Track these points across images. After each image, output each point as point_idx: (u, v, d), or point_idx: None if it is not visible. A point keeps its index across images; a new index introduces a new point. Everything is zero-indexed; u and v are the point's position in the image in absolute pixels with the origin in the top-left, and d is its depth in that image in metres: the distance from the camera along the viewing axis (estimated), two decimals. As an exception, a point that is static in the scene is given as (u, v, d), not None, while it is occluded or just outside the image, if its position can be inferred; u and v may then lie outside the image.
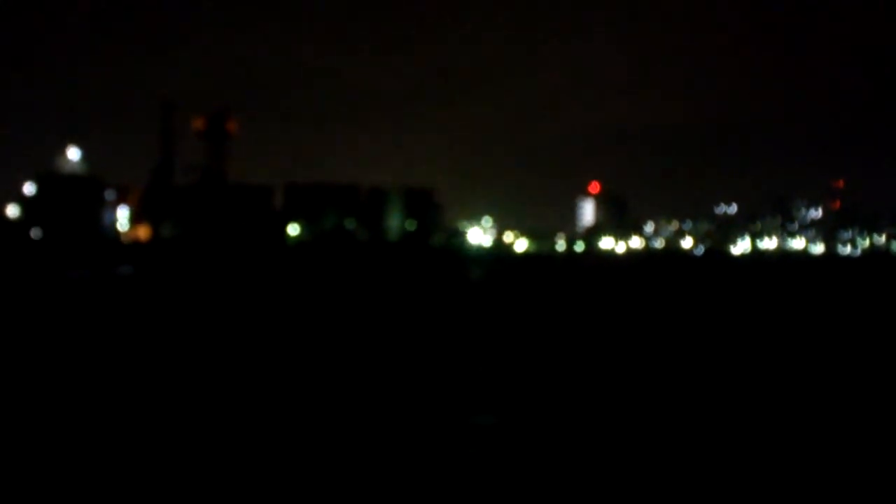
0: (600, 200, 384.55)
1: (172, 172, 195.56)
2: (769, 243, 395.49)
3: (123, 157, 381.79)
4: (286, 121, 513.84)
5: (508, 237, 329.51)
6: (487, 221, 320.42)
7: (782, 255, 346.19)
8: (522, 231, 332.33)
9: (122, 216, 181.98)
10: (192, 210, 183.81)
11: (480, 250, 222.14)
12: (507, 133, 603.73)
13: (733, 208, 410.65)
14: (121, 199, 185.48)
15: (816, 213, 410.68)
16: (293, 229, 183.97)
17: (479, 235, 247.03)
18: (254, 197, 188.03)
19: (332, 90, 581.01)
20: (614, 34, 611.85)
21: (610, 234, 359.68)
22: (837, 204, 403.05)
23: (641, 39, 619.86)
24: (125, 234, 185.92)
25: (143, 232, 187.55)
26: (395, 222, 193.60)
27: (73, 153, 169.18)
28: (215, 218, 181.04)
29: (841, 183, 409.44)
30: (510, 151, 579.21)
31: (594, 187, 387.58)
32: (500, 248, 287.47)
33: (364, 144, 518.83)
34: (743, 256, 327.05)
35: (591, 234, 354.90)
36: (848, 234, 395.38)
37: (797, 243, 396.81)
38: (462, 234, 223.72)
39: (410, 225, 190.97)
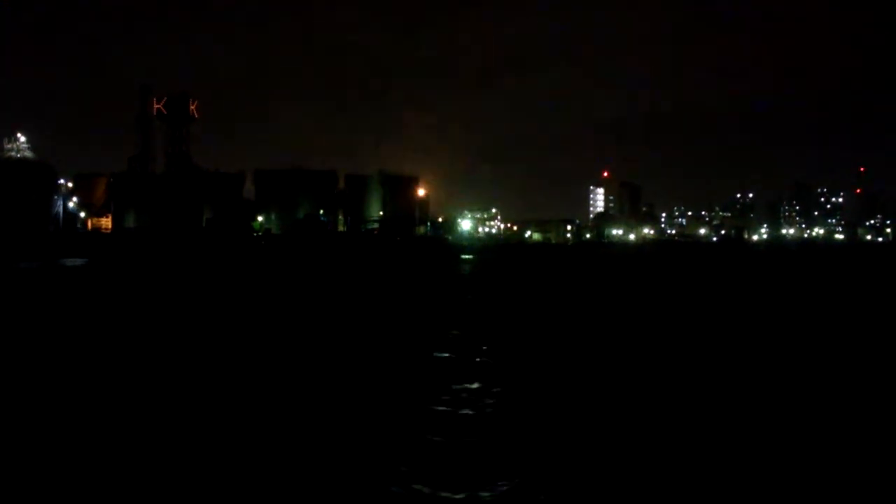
0: (612, 187, 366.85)
1: (150, 160, 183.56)
2: (790, 231, 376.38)
3: (81, 145, 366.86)
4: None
5: (513, 227, 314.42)
6: (481, 212, 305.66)
7: (803, 242, 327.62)
8: (528, 220, 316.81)
9: (78, 204, 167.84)
10: (168, 199, 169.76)
11: (470, 241, 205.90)
12: (516, 120, 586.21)
13: (752, 195, 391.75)
14: (79, 188, 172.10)
15: (838, 199, 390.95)
16: (260, 219, 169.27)
17: (469, 225, 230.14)
18: (223, 184, 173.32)
19: (327, 67, 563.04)
20: (629, 22, 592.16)
21: (621, 223, 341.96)
22: (859, 190, 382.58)
23: (656, 26, 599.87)
24: (86, 223, 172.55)
25: (107, 222, 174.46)
26: (375, 211, 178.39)
27: (21, 138, 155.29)
28: (186, 207, 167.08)
29: (863, 169, 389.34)
30: (519, 138, 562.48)
31: (605, 174, 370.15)
32: (501, 239, 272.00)
33: (365, 131, 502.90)
34: (761, 244, 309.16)
35: (602, 223, 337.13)
36: (872, 222, 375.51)
37: (819, 231, 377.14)
38: (451, 225, 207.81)
39: (388, 214, 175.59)
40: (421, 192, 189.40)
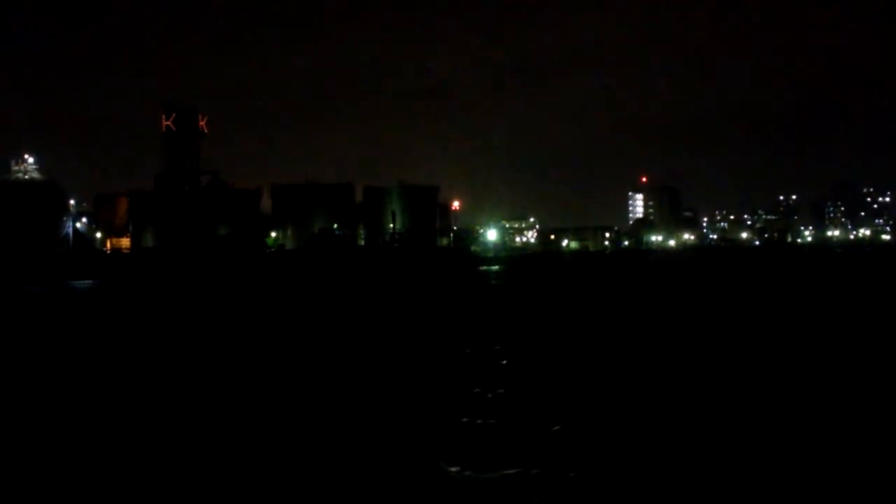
0: (651, 192, 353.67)
1: (176, 178, 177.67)
2: (835, 233, 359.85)
3: (104, 165, 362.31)
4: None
5: (550, 236, 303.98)
6: (518, 221, 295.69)
7: (850, 244, 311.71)
8: (565, 228, 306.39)
9: (90, 225, 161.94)
10: (181, 216, 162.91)
11: (496, 251, 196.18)
12: (553, 125, 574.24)
13: (795, 197, 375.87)
14: (101, 208, 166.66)
15: (885, 199, 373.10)
16: (274, 234, 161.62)
17: (495, 235, 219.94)
18: (240, 200, 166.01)
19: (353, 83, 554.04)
20: (668, 27, 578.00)
21: (661, 228, 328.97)
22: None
23: (696, 30, 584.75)
24: (106, 243, 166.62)
25: (127, 241, 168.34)
26: (394, 224, 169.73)
27: (29, 159, 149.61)
28: (200, 225, 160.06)
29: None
30: (557, 144, 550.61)
31: (644, 179, 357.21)
32: (538, 248, 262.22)
33: (400, 142, 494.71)
34: (805, 246, 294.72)
35: (641, 229, 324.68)
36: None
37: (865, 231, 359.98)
38: (475, 236, 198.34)
39: (406, 226, 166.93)
40: (455, 204, 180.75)
